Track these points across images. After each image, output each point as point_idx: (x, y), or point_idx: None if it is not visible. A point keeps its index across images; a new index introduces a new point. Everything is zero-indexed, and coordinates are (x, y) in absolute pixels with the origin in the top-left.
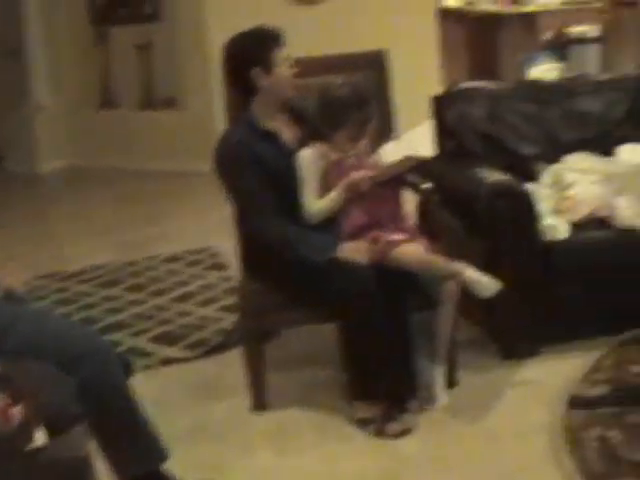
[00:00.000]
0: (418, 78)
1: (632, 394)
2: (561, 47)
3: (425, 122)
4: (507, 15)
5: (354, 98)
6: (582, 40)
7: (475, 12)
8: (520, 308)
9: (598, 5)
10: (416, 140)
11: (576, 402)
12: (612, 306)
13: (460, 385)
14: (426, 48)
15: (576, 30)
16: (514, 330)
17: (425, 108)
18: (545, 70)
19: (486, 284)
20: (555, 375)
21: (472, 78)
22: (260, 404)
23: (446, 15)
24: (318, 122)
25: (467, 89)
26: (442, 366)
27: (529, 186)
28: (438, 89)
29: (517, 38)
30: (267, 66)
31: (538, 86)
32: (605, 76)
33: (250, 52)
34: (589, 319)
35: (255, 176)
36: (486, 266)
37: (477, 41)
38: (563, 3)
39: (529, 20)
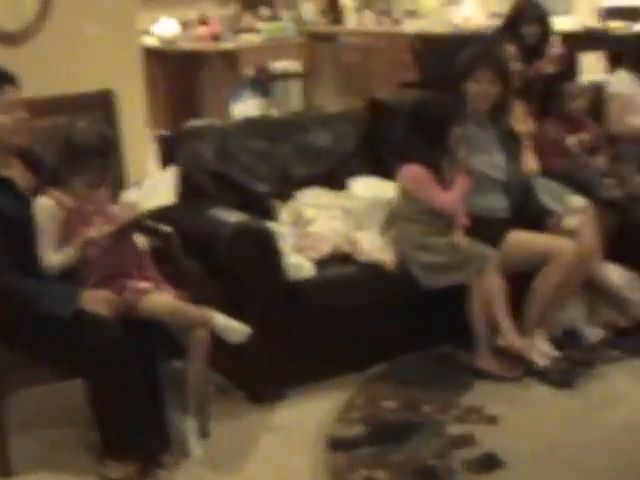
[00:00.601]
0: (130, 120)
1: (390, 432)
2: (264, 83)
3: (170, 168)
4: (209, 53)
5: (97, 143)
6: (284, 76)
7: (176, 51)
8: (266, 351)
9: (297, 41)
10: (158, 185)
11: (335, 444)
12: (358, 342)
13: (213, 436)
14: (135, 89)
15: (278, 66)
16: (261, 374)
17: (144, 150)
18: (249, 106)
19: (236, 330)
20: (309, 417)
21: (177, 117)
22: (5, 470)
23: (149, 54)
24: (57, 168)
25: (195, 128)
26: (195, 417)
27: (270, 225)
28: (149, 130)
29: (220, 75)
30: None
31: (268, 122)
32: (334, 110)
33: None
34: (337, 357)
35: None
36: (231, 310)
37: (180, 80)
38: (264, 40)
39: (231, 57)
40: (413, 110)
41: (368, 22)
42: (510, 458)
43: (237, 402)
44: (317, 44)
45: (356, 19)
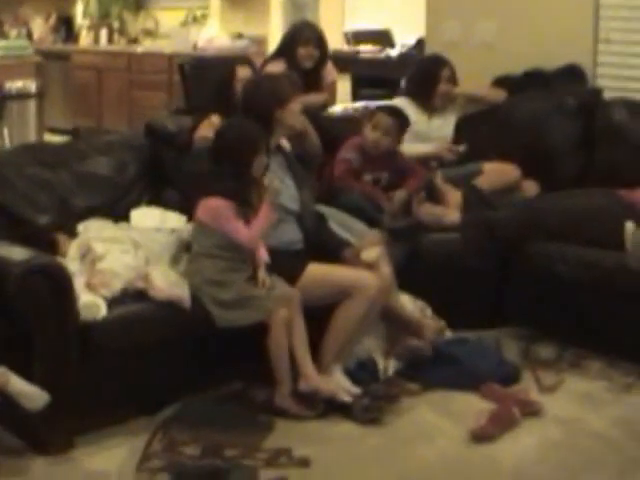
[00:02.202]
0: None
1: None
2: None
3: None
4: None
5: None
6: (19, 96)
7: None
8: (55, 397)
9: (34, 60)
10: None
11: None
12: (151, 383)
13: None
14: None
15: (14, 85)
16: (47, 422)
17: None
18: None
19: (33, 396)
20: (104, 468)
21: None
22: None
23: None
24: None
25: None
26: None
27: (60, 261)
28: None
29: None
30: None
31: (47, 148)
32: (115, 136)
33: None
34: (129, 400)
35: None
36: (20, 356)
37: None
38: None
39: None
40: (213, 139)
41: (103, 41)
42: None
43: (21, 454)
44: (50, 63)
45: (90, 37)
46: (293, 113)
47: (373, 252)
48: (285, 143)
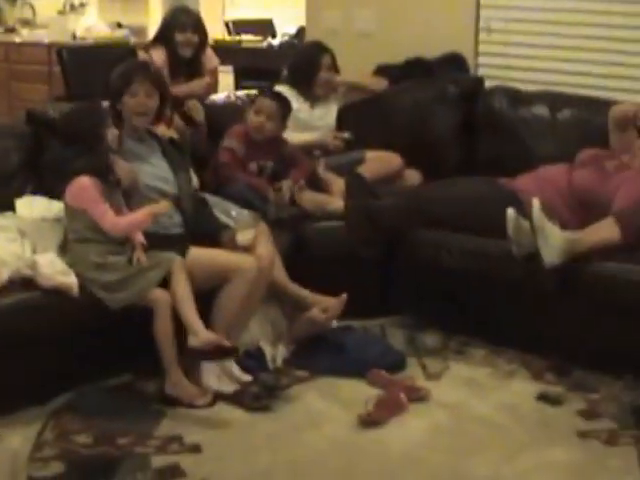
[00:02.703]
0: None
1: (91, 469)
2: None
3: None
4: None
5: None
6: None
7: None
8: None
9: None
10: None
11: None
12: (40, 372)
13: None
14: None
15: None
16: None
17: None
18: None
19: None
20: None
21: None
22: None
23: None
24: None
25: None
26: None
27: None
28: None
29: None
30: None
31: None
32: None
33: None
34: (18, 390)
35: None
36: None
37: None
38: None
39: None
40: (63, 123)
41: None
42: None
43: None
44: None
45: None
46: (136, 100)
47: (248, 234)
48: (163, 129)
